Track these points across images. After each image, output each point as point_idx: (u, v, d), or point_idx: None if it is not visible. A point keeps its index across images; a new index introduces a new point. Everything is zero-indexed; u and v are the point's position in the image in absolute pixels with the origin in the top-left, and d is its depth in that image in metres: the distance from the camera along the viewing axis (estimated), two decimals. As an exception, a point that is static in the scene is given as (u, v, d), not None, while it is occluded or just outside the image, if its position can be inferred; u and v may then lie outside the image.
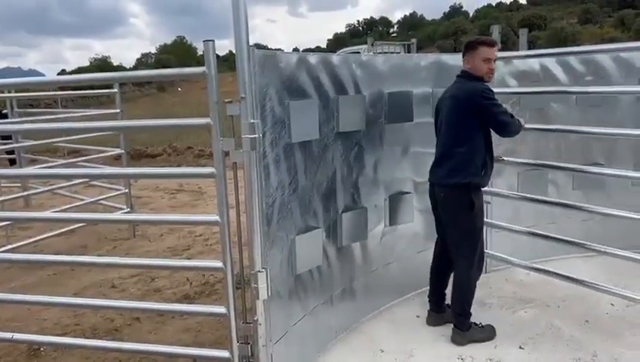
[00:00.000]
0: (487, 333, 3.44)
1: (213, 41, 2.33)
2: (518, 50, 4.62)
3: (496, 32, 4.54)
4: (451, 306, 3.49)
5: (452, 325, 3.47)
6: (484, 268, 3.69)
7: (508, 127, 3.25)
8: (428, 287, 3.74)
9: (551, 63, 4.42)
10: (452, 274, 3.56)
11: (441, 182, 3.38)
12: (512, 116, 3.29)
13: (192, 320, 3.97)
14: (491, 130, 3.33)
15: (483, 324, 3.48)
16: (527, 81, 4.33)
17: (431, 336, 3.51)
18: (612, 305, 3.81)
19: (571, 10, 60.58)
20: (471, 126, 3.25)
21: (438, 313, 3.66)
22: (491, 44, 3.36)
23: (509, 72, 4.30)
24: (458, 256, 3.44)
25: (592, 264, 4.33)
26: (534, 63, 4.40)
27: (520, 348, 3.31)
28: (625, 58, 4.50)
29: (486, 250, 3.88)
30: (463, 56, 3.42)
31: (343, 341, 3.49)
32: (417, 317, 3.79)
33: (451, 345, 3.38)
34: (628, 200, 4.03)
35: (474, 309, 3.50)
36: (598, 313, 3.72)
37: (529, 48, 4.72)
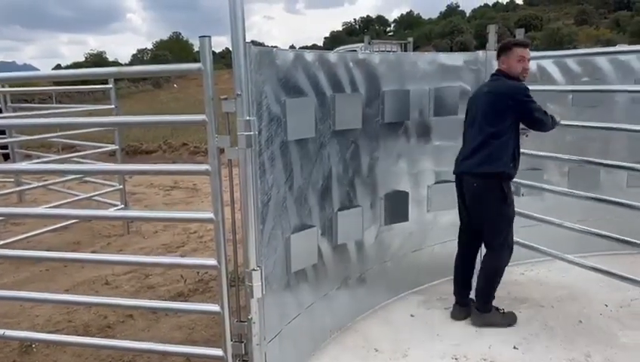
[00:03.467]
0: (507, 319, 3.57)
1: (209, 37, 2.31)
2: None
3: (492, 32, 4.53)
4: (476, 290, 3.62)
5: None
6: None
7: (543, 124, 3.43)
8: (424, 285, 3.77)
9: (548, 64, 4.42)
10: (480, 262, 3.70)
11: (472, 170, 3.47)
12: (545, 113, 3.43)
13: (185, 317, 3.95)
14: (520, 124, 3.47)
15: (505, 310, 3.60)
16: (524, 81, 4.32)
17: (425, 336, 3.51)
18: (606, 306, 3.82)
19: (567, 11, 60.80)
20: (507, 121, 3.39)
21: (462, 306, 3.73)
22: (525, 45, 3.55)
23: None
24: (491, 244, 3.57)
25: (591, 263, 4.34)
26: (531, 64, 4.38)
27: (514, 348, 3.31)
28: (622, 60, 4.51)
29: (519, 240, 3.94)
30: (499, 57, 3.58)
31: (338, 340, 3.48)
32: (412, 316, 3.79)
33: (445, 345, 3.37)
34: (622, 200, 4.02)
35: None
36: (592, 314, 3.72)
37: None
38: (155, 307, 3.55)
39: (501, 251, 3.55)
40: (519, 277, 4.38)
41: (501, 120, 3.40)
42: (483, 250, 3.70)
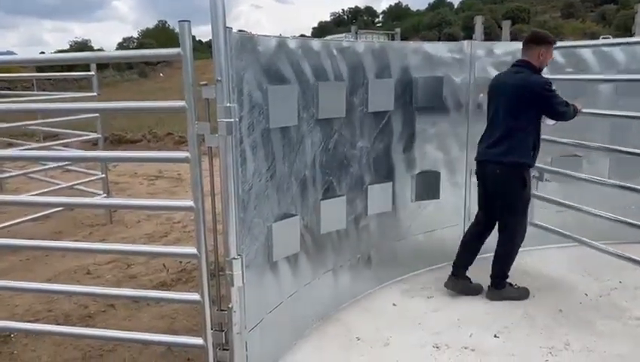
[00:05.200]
0: (521, 293, 3.82)
1: (188, 21, 2.27)
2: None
3: (479, 23, 4.54)
4: (492, 268, 3.85)
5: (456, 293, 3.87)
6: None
7: (565, 115, 3.64)
8: (407, 275, 4.02)
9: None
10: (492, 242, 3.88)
11: (497, 159, 3.66)
12: (567, 104, 3.62)
13: (167, 307, 3.92)
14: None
15: (519, 286, 3.85)
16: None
17: (407, 325, 3.52)
18: (586, 295, 3.86)
19: (554, 4, 61.09)
20: (530, 113, 3.59)
21: (458, 278, 3.93)
22: None
23: (492, 63, 4.29)
24: (507, 226, 3.79)
25: (566, 254, 4.40)
26: (517, 54, 4.39)
27: (495, 336, 3.34)
28: (605, 52, 4.53)
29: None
30: (530, 48, 3.65)
31: (320, 329, 3.48)
32: (394, 305, 3.80)
33: (427, 334, 3.39)
34: (602, 192, 4.05)
35: (449, 295, 3.69)
36: (572, 303, 3.76)
37: (512, 40, 4.72)
38: (135, 296, 3.52)
39: (516, 230, 3.77)
40: (502, 266, 4.40)
41: (525, 112, 3.58)
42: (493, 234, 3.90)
